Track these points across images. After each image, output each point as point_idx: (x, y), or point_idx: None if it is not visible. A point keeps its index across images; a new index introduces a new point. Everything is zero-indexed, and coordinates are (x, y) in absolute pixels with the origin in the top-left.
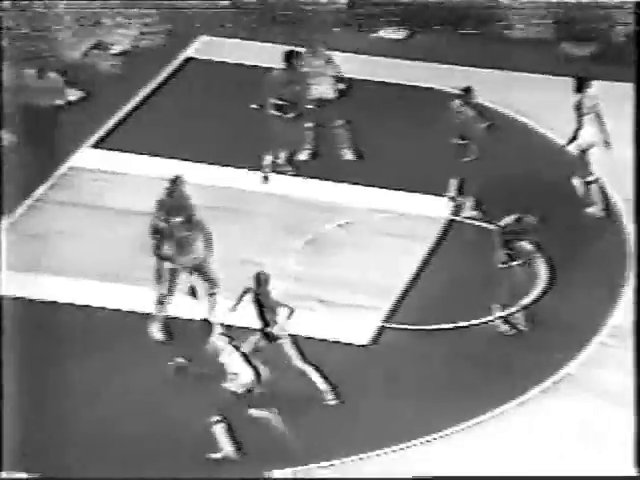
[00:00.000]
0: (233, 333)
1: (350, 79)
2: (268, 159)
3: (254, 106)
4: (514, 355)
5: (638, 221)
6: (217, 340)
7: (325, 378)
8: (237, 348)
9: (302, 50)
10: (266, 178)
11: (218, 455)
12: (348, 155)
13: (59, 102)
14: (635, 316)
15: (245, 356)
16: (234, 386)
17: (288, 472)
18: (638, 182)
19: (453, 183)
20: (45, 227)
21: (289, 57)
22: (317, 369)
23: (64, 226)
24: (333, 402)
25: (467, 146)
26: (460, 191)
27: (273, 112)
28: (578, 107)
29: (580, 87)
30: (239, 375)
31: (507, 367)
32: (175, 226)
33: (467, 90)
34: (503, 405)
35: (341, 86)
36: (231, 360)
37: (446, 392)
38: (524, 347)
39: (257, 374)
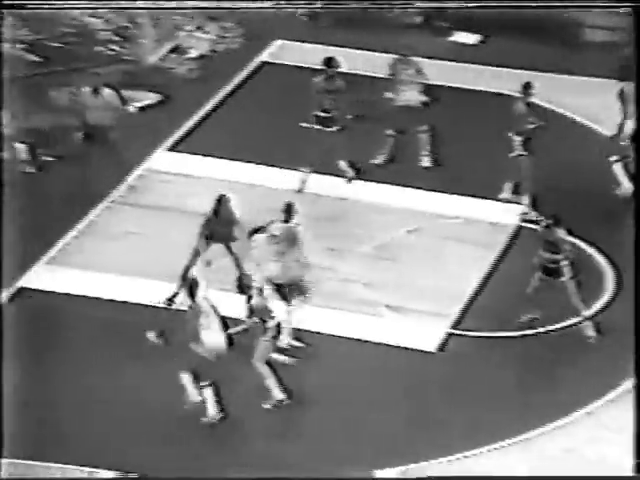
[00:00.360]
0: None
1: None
2: (343, 164)
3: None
4: (582, 363)
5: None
6: (201, 302)
7: (281, 384)
8: (217, 314)
9: (394, 57)
10: (350, 180)
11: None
12: (425, 162)
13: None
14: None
15: (224, 323)
16: (203, 349)
17: (393, 472)
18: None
19: (508, 186)
20: (121, 229)
21: (328, 64)
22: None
23: (139, 228)
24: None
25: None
26: (516, 191)
27: (314, 126)
28: (621, 95)
29: (623, 76)
30: (211, 340)
31: (575, 375)
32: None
33: (527, 86)
34: (568, 415)
35: (424, 98)
36: (208, 324)
37: (512, 400)
38: (591, 355)
39: (230, 343)
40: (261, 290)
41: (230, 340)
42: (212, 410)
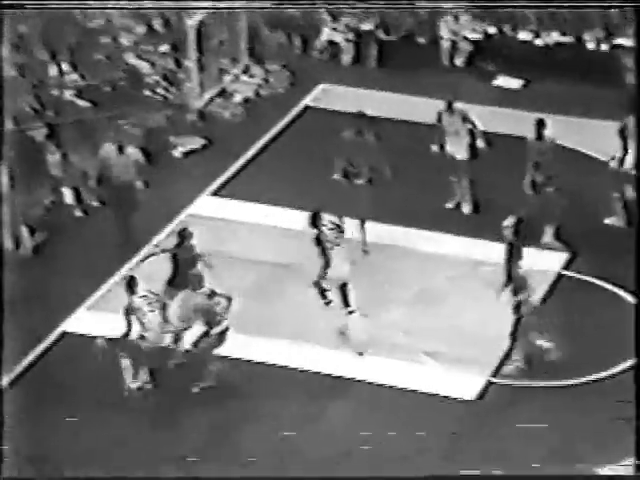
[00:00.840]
0: None
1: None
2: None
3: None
4: (627, 412)
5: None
6: (137, 300)
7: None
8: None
9: (441, 108)
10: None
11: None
12: (466, 208)
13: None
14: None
15: (165, 319)
16: (143, 342)
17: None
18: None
19: (550, 231)
20: (163, 273)
21: (358, 116)
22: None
23: None
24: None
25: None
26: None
27: (340, 178)
28: (623, 131)
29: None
30: (149, 333)
31: (619, 425)
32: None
33: (540, 123)
34: (613, 465)
35: (480, 144)
36: (146, 319)
37: (554, 451)
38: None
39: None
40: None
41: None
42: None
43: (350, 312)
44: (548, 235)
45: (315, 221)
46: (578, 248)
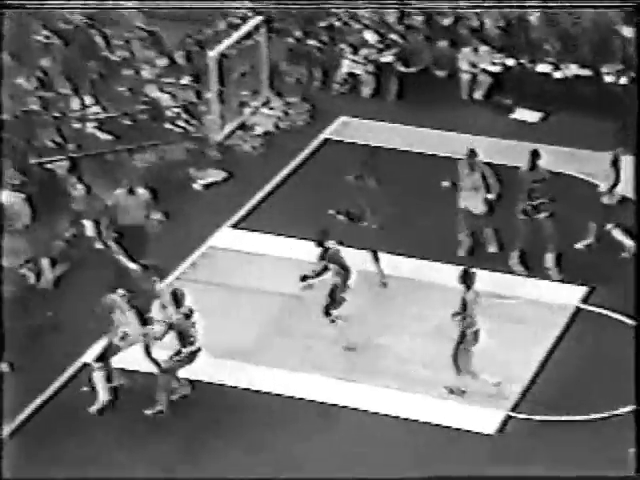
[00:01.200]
0: None
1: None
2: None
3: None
4: None
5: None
6: (114, 297)
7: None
8: (133, 306)
9: (460, 159)
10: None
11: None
12: (492, 248)
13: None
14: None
15: (140, 316)
16: (120, 341)
17: None
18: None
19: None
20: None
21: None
22: None
23: (201, 305)
24: None
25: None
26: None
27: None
28: (615, 161)
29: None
30: (128, 332)
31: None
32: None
33: (534, 154)
34: None
35: (491, 197)
36: (123, 318)
37: None
38: None
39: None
40: None
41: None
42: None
43: (332, 321)
44: (514, 258)
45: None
46: (596, 281)
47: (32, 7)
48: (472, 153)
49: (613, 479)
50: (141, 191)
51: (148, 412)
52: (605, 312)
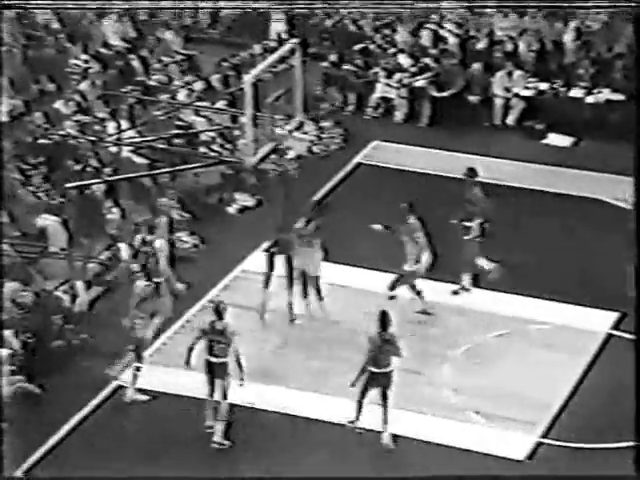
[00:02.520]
0: None
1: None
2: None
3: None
4: None
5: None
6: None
7: None
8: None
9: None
10: (456, 292)
11: None
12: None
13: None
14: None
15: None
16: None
17: None
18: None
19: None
20: None
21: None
22: None
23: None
24: None
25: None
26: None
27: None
28: None
29: None
30: None
31: None
32: None
33: (472, 171)
34: None
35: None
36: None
37: None
38: None
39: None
40: None
41: None
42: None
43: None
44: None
45: None
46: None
47: (32, 7)
48: (472, 172)
49: (613, 479)
50: (158, 243)
51: (217, 443)
52: (636, 338)
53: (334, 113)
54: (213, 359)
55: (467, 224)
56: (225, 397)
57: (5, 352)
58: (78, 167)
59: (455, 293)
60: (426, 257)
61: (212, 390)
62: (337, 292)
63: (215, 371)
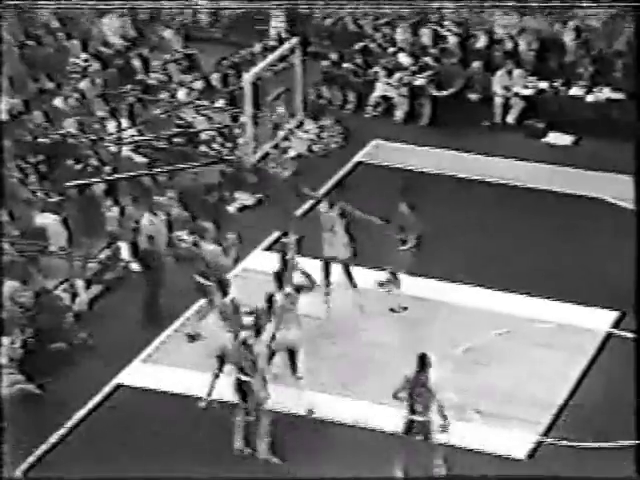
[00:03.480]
0: None
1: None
2: None
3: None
4: None
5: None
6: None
7: None
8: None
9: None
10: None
11: None
12: None
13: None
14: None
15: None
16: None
17: None
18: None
19: None
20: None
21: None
22: None
23: None
24: None
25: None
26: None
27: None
28: None
29: None
30: None
31: None
32: None
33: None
34: None
35: None
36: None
37: None
38: None
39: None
40: None
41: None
42: None
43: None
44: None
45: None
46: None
47: (31, 7)
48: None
49: (613, 479)
50: (163, 217)
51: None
52: (636, 337)
53: (334, 112)
54: (243, 377)
55: (402, 237)
56: (261, 414)
57: (5, 352)
58: (78, 166)
59: (381, 285)
60: None
61: (246, 410)
62: (339, 291)
63: (247, 390)
